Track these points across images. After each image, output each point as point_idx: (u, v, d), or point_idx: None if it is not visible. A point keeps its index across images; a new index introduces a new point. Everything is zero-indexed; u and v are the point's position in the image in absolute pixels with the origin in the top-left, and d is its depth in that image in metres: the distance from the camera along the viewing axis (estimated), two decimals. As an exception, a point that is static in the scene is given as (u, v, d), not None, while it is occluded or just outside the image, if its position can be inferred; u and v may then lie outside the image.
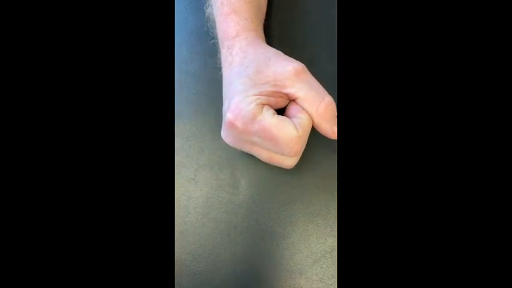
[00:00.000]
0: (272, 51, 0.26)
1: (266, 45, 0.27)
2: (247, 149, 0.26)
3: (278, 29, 0.34)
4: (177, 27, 0.34)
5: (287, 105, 0.25)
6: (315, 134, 0.30)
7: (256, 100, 0.23)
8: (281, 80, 0.24)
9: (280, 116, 0.24)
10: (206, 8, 0.31)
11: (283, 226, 0.28)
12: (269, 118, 0.23)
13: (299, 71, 0.24)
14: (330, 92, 0.30)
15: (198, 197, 0.29)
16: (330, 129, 0.25)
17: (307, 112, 0.24)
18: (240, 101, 0.23)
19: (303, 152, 0.29)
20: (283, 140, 0.23)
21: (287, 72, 0.24)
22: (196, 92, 0.32)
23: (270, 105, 0.24)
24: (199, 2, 0.33)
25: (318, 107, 0.24)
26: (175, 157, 0.30)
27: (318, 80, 0.31)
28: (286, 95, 0.24)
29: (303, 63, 0.32)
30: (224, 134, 0.25)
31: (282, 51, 0.32)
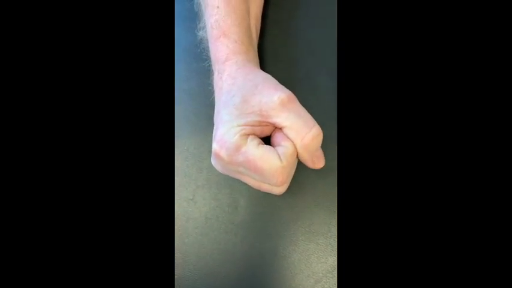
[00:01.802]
0: (261, 77, 0.26)
1: (256, 69, 0.27)
2: (237, 177, 0.26)
3: (274, 44, 0.33)
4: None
5: (273, 131, 0.25)
6: (326, 148, 0.29)
7: (240, 131, 0.23)
8: (266, 110, 0.23)
9: (264, 146, 0.23)
10: (198, 31, 0.31)
11: (283, 246, 0.28)
12: (253, 149, 0.23)
13: (285, 100, 0.23)
14: (328, 106, 0.30)
15: (197, 218, 0.29)
16: (310, 160, 0.25)
17: (292, 141, 0.24)
18: (224, 133, 0.23)
19: (303, 171, 0.29)
20: (268, 171, 0.22)
21: (273, 102, 0.23)
22: (193, 111, 0.32)
23: (256, 134, 0.24)
24: (194, 19, 0.33)
25: (304, 137, 0.23)
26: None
27: (315, 94, 0.31)
28: (273, 124, 0.24)
29: (300, 77, 0.32)
30: (213, 162, 0.25)
31: (277, 65, 0.33)
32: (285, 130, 0.24)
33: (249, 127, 0.23)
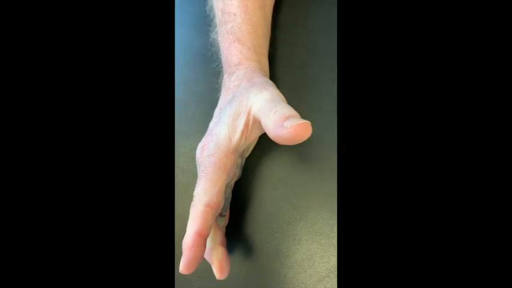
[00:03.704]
0: (261, 80, 0.26)
1: (262, 75, 0.27)
2: (199, 175, 0.26)
3: (280, 49, 0.34)
4: (182, 48, 0.35)
5: None
6: (317, 154, 0.30)
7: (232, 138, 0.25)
8: (250, 107, 0.24)
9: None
10: (211, 33, 0.32)
11: (286, 245, 0.29)
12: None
13: (267, 97, 0.23)
14: (330, 110, 0.31)
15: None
16: (283, 129, 0.20)
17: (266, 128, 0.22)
18: (219, 132, 0.25)
19: (306, 171, 0.30)
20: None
21: (256, 98, 0.24)
22: (202, 113, 0.33)
23: (247, 137, 0.25)
24: (204, 23, 0.34)
25: (269, 115, 0.21)
26: (179, 178, 0.31)
27: (318, 98, 0.31)
28: (254, 118, 0.24)
29: (305, 81, 0.32)
30: (198, 150, 0.27)
31: (283, 70, 0.33)
32: (260, 119, 0.23)
33: (238, 133, 0.24)
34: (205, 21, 0.34)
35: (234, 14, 0.28)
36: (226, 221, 0.29)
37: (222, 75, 0.30)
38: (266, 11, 0.31)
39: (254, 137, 0.26)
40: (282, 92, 0.24)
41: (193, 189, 0.31)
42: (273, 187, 0.30)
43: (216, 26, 0.31)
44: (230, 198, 0.29)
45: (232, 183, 0.29)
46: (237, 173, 0.28)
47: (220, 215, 0.28)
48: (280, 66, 0.34)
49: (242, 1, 0.28)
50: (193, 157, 0.31)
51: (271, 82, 0.26)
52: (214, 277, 0.26)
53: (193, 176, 0.31)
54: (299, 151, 0.30)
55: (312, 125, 0.21)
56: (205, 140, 0.26)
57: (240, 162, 0.29)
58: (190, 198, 0.31)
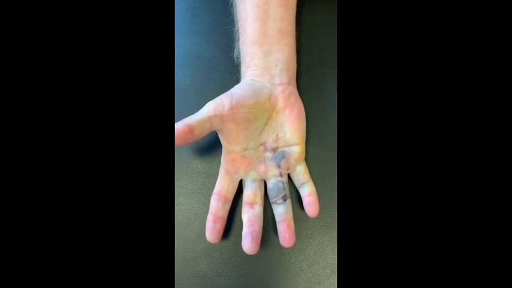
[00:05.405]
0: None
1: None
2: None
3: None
4: (191, 58, 0.36)
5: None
6: (326, 150, 0.31)
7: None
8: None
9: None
10: (235, 50, 0.33)
11: (300, 239, 0.30)
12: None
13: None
14: (330, 110, 0.31)
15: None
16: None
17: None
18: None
19: (317, 169, 0.31)
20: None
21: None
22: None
23: None
24: (212, 34, 0.36)
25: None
26: (179, 183, 0.32)
27: (320, 101, 0.33)
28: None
29: (308, 84, 0.34)
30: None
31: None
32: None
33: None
34: (214, 31, 0.36)
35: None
36: None
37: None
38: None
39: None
40: None
41: (209, 190, 0.32)
42: (284, 184, 0.31)
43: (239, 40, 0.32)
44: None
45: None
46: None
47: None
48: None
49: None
50: (208, 159, 0.33)
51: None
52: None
53: (208, 177, 0.32)
54: (308, 147, 0.31)
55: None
56: None
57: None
58: (208, 198, 0.32)
